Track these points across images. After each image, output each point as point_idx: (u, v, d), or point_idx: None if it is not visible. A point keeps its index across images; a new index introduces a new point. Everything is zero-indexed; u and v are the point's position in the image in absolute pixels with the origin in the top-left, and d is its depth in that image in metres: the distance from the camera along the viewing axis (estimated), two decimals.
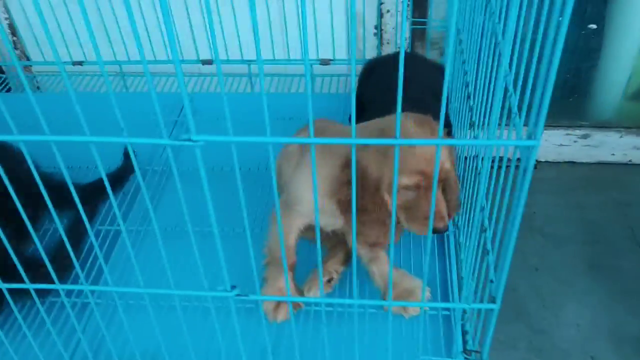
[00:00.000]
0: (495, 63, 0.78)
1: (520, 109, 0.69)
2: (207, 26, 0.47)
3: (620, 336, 1.59)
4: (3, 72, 2.11)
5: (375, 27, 1.84)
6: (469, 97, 1.08)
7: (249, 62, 1.83)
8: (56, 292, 1.19)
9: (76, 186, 1.34)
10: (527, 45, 0.67)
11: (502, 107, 0.68)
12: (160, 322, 1.13)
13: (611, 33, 1.85)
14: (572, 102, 2.04)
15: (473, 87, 1.03)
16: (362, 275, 1.19)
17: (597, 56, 1.91)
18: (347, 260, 1.20)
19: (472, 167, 1.00)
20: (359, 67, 1.56)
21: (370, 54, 1.85)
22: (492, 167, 0.80)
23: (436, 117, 1.31)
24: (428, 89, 1.37)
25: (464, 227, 1.12)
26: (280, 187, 1.27)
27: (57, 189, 0.77)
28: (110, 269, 1.29)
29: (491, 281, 0.71)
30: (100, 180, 1.44)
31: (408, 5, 1.75)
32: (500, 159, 0.78)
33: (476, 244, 0.85)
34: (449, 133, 0.99)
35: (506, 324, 1.65)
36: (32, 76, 2.02)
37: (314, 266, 1.17)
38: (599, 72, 1.95)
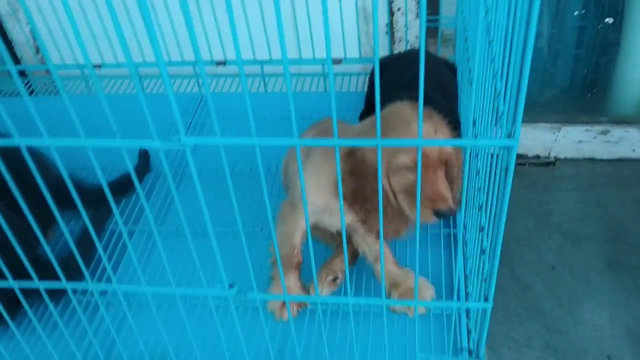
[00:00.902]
0: (489, 62, 0.78)
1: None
2: (230, 27, 0.48)
3: (638, 335, 1.56)
4: (26, 76, 2.17)
5: (387, 26, 1.83)
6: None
7: (261, 62, 1.85)
8: (77, 291, 1.22)
9: (91, 187, 1.37)
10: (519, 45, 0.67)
11: (493, 107, 0.68)
12: (169, 321, 1.16)
13: (628, 27, 1.81)
14: (590, 98, 2.01)
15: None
16: (369, 274, 1.20)
17: (616, 51, 1.87)
18: (353, 259, 1.21)
19: (474, 166, 0.99)
20: (369, 66, 1.56)
21: (382, 52, 1.84)
22: (491, 165, 0.80)
23: (446, 115, 1.31)
24: (438, 86, 1.36)
25: (470, 225, 1.12)
26: (287, 187, 1.29)
27: (77, 189, 0.79)
28: (125, 268, 1.32)
29: (484, 280, 0.71)
30: (115, 181, 1.48)
31: (418, 3, 1.74)
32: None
33: (475, 243, 0.85)
34: (454, 128, 0.98)
35: (521, 323, 1.63)
36: (52, 80, 2.07)
37: (321, 265, 1.18)
38: (618, 67, 1.91)
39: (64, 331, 1.01)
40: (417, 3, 1.78)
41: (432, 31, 1.80)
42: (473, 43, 1.12)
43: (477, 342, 0.81)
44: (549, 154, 2.07)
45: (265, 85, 1.89)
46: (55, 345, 1.12)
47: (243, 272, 1.11)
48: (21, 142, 0.70)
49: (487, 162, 0.79)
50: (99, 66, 1.96)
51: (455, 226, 1.26)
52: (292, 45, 1.88)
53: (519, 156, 2.07)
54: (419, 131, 0.56)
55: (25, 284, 0.90)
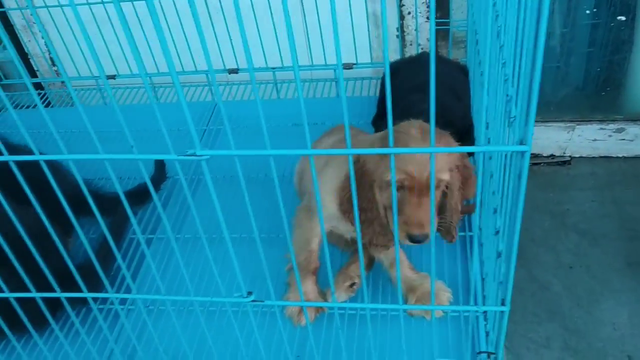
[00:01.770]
0: (500, 66, 0.78)
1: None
2: (241, 35, 0.50)
3: None
4: (42, 88, 2.20)
5: (397, 29, 1.84)
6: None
7: (273, 69, 1.86)
8: (98, 299, 1.24)
9: (108, 194, 1.39)
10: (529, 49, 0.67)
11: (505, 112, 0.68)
12: (188, 327, 1.17)
13: None
14: (605, 96, 1.99)
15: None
16: (386, 279, 1.20)
17: (629, 48, 1.86)
18: (369, 264, 1.21)
19: (488, 169, 0.99)
20: (381, 70, 1.57)
21: (393, 56, 1.85)
22: (505, 167, 0.80)
23: (458, 118, 1.31)
24: (449, 89, 1.36)
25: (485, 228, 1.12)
26: (301, 192, 1.29)
27: (95, 198, 0.80)
28: (144, 275, 1.33)
29: (500, 283, 0.71)
30: (131, 191, 1.49)
31: (428, 6, 1.75)
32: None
33: (491, 245, 0.85)
34: (459, 140, 0.98)
35: (539, 324, 1.63)
36: (67, 92, 2.10)
37: (338, 270, 1.19)
38: (631, 65, 1.90)
39: (85, 339, 1.03)
40: (428, 6, 1.78)
41: (443, 34, 1.81)
42: (484, 47, 1.12)
43: (495, 344, 0.81)
44: (564, 152, 2.06)
45: (277, 92, 1.91)
46: (78, 353, 1.14)
47: (260, 278, 1.12)
48: (41, 158, 0.71)
49: (501, 165, 0.79)
50: (114, 77, 1.99)
51: (471, 229, 1.26)
52: (303, 51, 1.89)
53: (533, 156, 2.06)
54: (432, 139, 0.56)
55: (48, 294, 0.91)
